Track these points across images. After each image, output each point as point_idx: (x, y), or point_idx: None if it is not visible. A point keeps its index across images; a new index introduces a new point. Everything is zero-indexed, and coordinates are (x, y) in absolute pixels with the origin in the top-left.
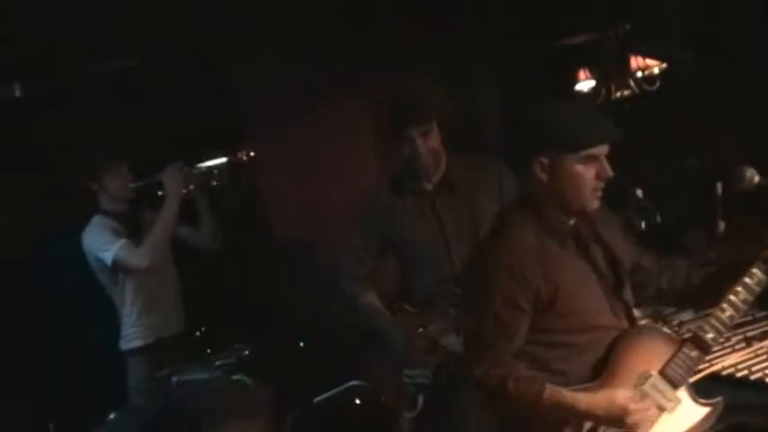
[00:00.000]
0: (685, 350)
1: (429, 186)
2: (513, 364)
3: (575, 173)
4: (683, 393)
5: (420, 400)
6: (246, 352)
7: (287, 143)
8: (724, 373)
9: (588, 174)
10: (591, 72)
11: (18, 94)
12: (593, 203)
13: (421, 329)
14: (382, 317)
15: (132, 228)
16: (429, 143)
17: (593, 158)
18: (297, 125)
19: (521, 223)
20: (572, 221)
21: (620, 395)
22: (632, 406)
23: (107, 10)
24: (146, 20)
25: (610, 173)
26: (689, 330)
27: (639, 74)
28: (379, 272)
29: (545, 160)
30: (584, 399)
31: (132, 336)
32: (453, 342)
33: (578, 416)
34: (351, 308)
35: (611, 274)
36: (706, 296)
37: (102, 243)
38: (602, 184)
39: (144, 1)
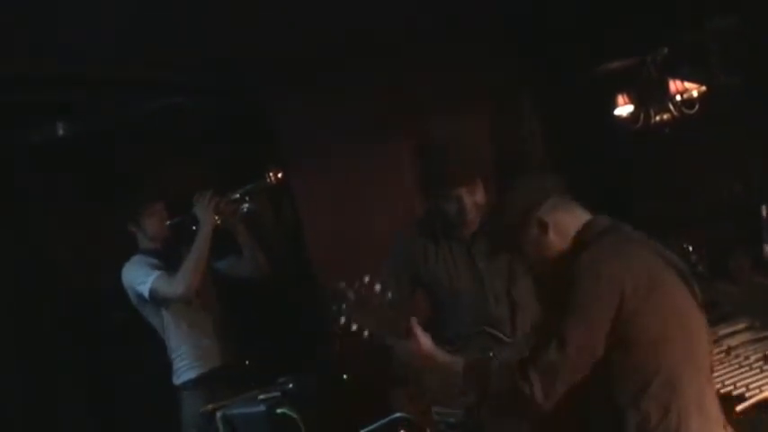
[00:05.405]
0: None
1: (467, 234)
2: None
3: None
4: None
5: None
6: (291, 385)
7: (328, 180)
8: None
9: None
10: (629, 97)
11: (61, 133)
12: None
13: None
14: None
15: (172, 265)
16: (475, 199)
17: None
18: (339, 163)
19: None
20: None
21: None
22: None
23: (152, 49)
24: (188, 57)
25: None
26: None
27: (678, 97)
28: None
29: None
30: None
31: (183, 369)
32: None
33: None
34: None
35: None
36: None
37: (139, 277)
38: None
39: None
